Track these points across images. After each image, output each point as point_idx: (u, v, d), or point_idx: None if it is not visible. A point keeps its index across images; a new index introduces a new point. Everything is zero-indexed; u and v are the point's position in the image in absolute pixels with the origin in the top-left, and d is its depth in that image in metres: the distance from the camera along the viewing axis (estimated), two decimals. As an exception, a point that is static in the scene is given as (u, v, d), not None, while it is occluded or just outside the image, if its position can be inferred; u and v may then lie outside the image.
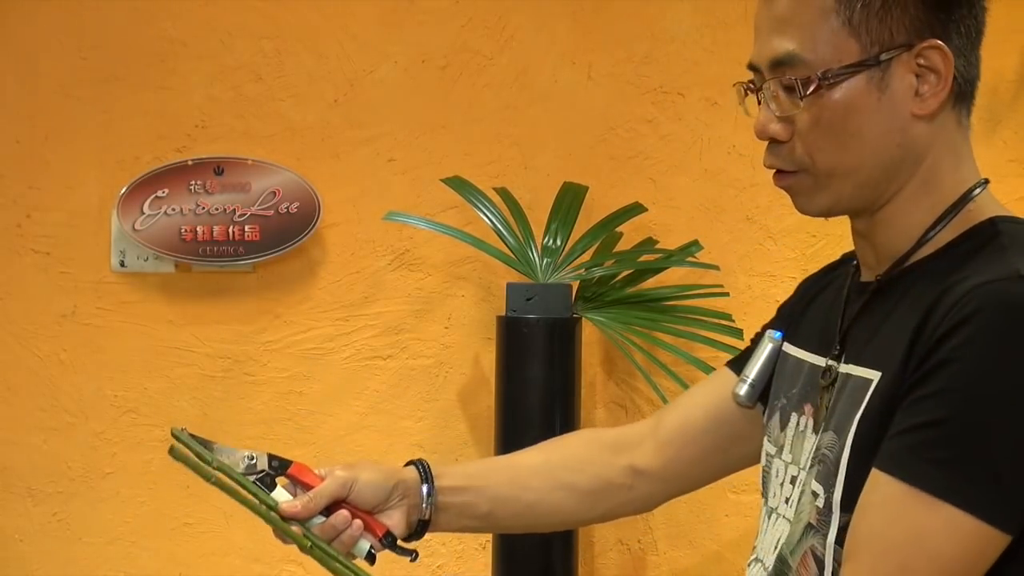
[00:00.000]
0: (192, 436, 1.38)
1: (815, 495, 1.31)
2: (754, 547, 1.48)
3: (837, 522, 1.27)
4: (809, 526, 1.31)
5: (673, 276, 3.09)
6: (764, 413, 1.52)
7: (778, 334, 1.52)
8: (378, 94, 3.19)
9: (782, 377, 1.48)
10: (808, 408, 1.39)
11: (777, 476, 1.43)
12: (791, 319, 1.53)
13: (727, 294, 3.02)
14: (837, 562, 1.27)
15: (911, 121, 1.31)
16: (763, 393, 1.52)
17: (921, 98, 1.31)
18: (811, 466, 1.33)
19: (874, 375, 1.27)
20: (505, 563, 2.91)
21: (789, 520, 1.37)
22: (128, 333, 3.16)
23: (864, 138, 1.31)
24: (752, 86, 1.35)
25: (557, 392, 2.89)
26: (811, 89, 1.28)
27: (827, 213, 1.36)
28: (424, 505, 1.49)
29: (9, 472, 3.17)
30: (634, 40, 3.20)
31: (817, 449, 1.33)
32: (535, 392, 2.88)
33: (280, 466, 1.42)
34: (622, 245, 3.07)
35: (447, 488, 1.50)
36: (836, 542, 1.27)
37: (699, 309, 2.98)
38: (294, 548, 1.44)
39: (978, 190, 1.38)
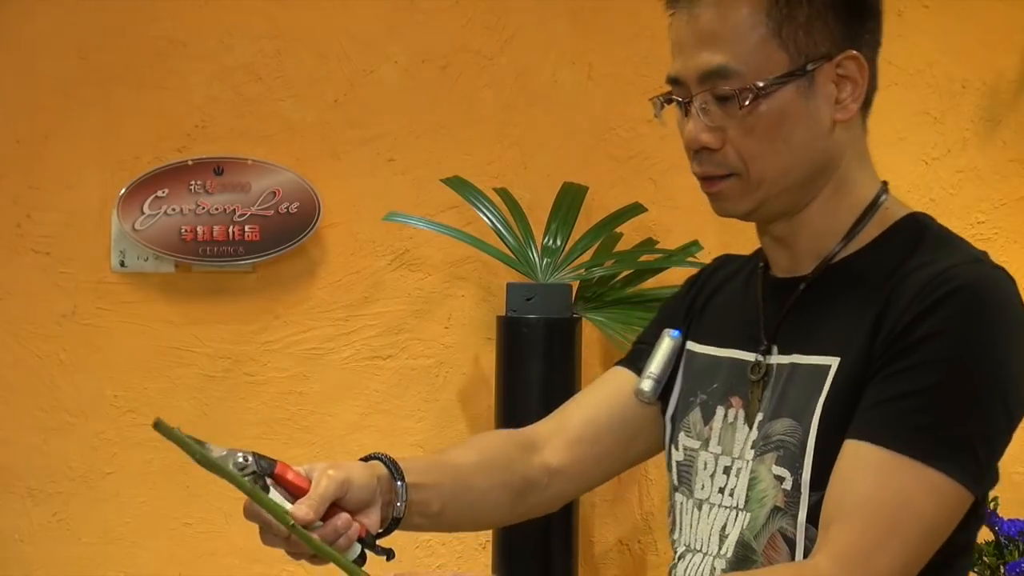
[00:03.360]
0: (187, 436, 1.29)
1: (779, 479, 1.37)
2: (673, 540, 1.53)
3: (807, 501, 1.35)
4: (776, 509, 1.38)
5: (673, 276, 3.09)
6: (667, 409, 1.57)
7: (676, 333, 1.59)
8: (378, 94, 3.19)
9: (692, 374, 1.55)
10: (736, 401, 1.47)
11: (706, 468, 1.48)
12: (687, 318, 1.60)
13: (727, 294, 3.02)
14: (810, 540, 1.35)
15: (832, 127, 1.41)
16: (664, 389, 1.58)
17: (841, 105, 1.41)
18: (761, 453, 1.40)
19: (831, 360, 1.35)
20: (505, 563, 2.91)
21: (733, 508, 1.43)
22: (128, 333, 3.16)
23: (793, 144, 1.39)
24: (672, 98, 1.42)
25: (557, 392, 2.86)
26: (749, 100, 1.36)
27: (749, 217, 1.45)
28: (399, 503, 1.45)
29: (9, 472, 3.17)
30: (634, 40, 3.20)
31: (767, 437, 1.40)
32: (535, 392, 2.88)
33: (267, 466, 1.36)
34: (622, 245, 3.07)
35: (410, 485, 1.47)
36: (808, 521, 1.35)
37: (699, 309, 2.98)
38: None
39: (885, 194, 1.48)
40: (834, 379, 1.34)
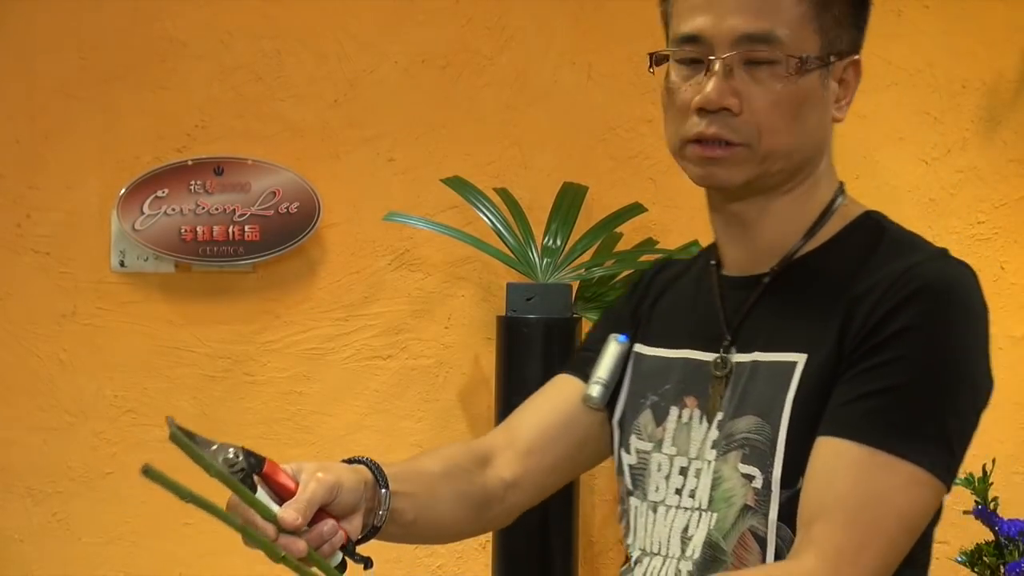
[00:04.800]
0: (179, 428, 1.26)
1: (748, 478, 1.36)
2: (628, 545, 1.51)
3: (778, 499, 1.34)
4: (746, 508, 1.36)
5: (673, 276, 3.09)
6: (614, 413, 1.56)
7: (623, 337, 1.57)
8: (378, 94, 3.19)
9: (641, 376, 1.53)
10: (691, 400, 1.45)
11: (660, 470, 1.47)
12: (634, 322, 1.58)
13: (727, 294, 3.02)
14: (781, 538, 1.34)
15: (829, 124, 1.44)
16: (611, 394, 1.56)
17: (839, 105, 1.43)
18: (724, 452, 1.39)
19: (797, 357, 1.35)
20: (505, 563, 2.91)
21: (695, 509, 1.41)
22: (128, 333, 3.16)
23: (806, 127, 1.40)
24: (685, 57, 1.40)
25: (557, 392, 2.88)
26: (794, 69, 1.36)
27: (740, 187, 1.43)
28: (381, 511, 1.41)
29: (9, 472, 3.17)
30: (634, 40, 3.20)
31: (729, 436, 1.39)
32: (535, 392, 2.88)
33: (256, 464, 1.31)
34: (622, 245, 3.07)
35: (392, 492, 1.43)
36: (779, 519, 1.34)
37: (699, 309, 2.97)
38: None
39: (841, 194, 1.47)
40: (802, 376, 1.34)
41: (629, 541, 1.51)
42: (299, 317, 3.18)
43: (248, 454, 1.31)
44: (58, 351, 3.17)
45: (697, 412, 1.44)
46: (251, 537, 1.30)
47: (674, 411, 1.47)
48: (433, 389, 3.19)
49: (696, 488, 1.42)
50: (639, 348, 1.55)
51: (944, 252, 1.39)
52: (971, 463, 2.53)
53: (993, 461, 2.48)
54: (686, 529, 1.42)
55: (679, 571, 1.41)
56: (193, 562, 3.17)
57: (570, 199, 3.03)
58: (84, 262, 3.16)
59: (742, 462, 1.37)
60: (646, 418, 1.50)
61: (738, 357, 1.42)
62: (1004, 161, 3.12)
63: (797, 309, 1.39)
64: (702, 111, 1.38)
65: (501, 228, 2.97)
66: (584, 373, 1.58)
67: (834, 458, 1.29)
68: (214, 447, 1.29)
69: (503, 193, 3.04)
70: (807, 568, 1.28)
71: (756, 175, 1.40)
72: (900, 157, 3.13)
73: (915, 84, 3.13)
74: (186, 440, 1.23)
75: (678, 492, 1.44)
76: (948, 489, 1.32)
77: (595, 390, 1.55)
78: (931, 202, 3.12)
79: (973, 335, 1.35)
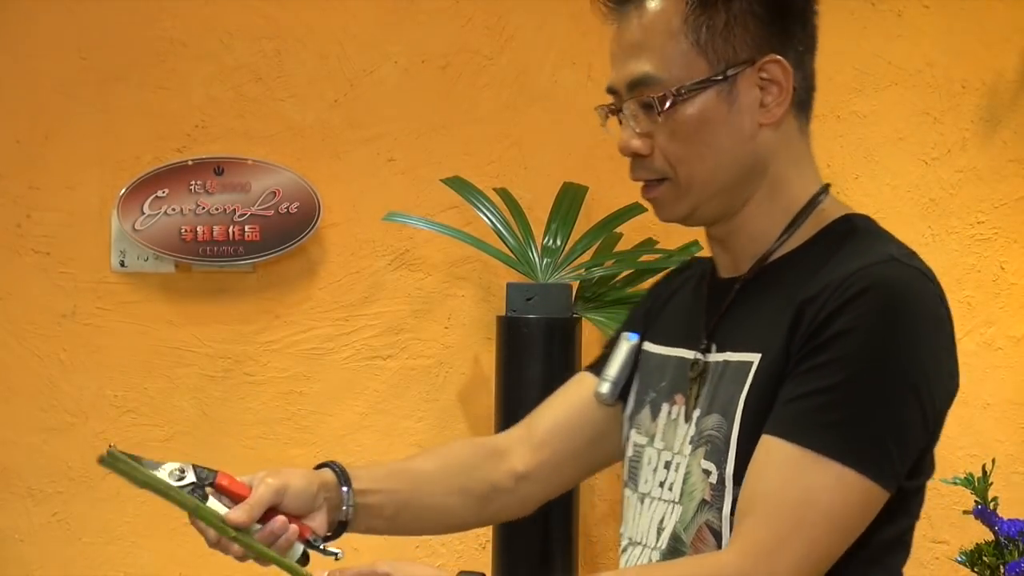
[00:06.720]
0: (122, 452, 1.43)
1: (707, 473, 1.41)
2: (621, 534, 1.58)
3: (731, 495, 1.39)
4: (703, 502, 1.42)
5: (673, 276, 3.09)
6: (625, 409, 1.62)
7: (633, 336, 1.63)
8: (378, 94, 3.19)
9: (647, 374, 1.59)
10: (679, 398, 1.51)
11: (650, 463, 1.53)
12: (647, 321, 1.64)
13: (727, 294, 3.02)
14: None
15: (758, 130, 1.43)
16: (623, 391, 1.62)
17: (766, 108, 1.42)
18: (695, 448, 1.45)
19: (754, 357, 1.39)
20: (505, 563, 2.91)
21: (670, 501, 1.48)
22: (128, 333, 3.16)
23: (717, 148, 1.43)
24: (613, 108, 1.48)
25: (557, 392, 2.88)
26: (667, 105, 1.40)
27: (686, 220, 1.48)
28: (344, 507, 1.53)
29: (9, 472, 3.17)
30: (634, 40, 3.20)
31: (700, 432, 1.44)
32: (535, 392, 2.86)
33: (207, 476, 1.45)
34: (622, 245, 3.07)
35: (359, 491, 1.55)
36: (732, 514, 1.38)
37: (699, 309, 2.97)
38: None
39: (823, 195, 1.48)
40: (755, 375, 1.38)
41: (622, 530, 1.58)
42: (299, 317, 3.18)
43: (198, 468, 1.45)
44: (58, 351, 3.17)
45: (682, 409, 1.50)
46: (204, 518, 1.43)
47: (665, 407, 1.53)
48: (433, 389, 3.20)
49: (673, 482, 1.48)
50: (647, 346, 1.61)
51: (902, 256, 1.38)
52: (971, 463, 2.54)
53: (993, 461, 2.47)
54: (661, 520, 1.48)
55: (651, 560, 1.48)
56: (193, 562, 3.17)
57: (570, 199, 3.03)
58: (84, 262, 3.16)
59: (704, 458, 1.42)
60: (645, 413, 1.57)
61: (714, 357, 1.47)
62: (1004, 161, 3.12)
63: (757, 311, 1.44)
64: (629, 159, 1.48)
65: (501, 228, 2.97)
66: (600, 370, 1.65)
67: (766, 455, 1.34)
68: (163, 465, 1.46)
69: (503, 193, 3.04)
70: (723, 561, 1.33)
71: (693, 206, 1.46)
72: (900, 157, 3.13)
73: (915, 84, 3.13)
74: (122, 458, 1.41)
75: (661, 485, 1.50)
76: (889, 489, 1.32)
77: (604, 387, 1.62)
78: (931, 202, 3.12)
79: (916, 338, 1.34)
